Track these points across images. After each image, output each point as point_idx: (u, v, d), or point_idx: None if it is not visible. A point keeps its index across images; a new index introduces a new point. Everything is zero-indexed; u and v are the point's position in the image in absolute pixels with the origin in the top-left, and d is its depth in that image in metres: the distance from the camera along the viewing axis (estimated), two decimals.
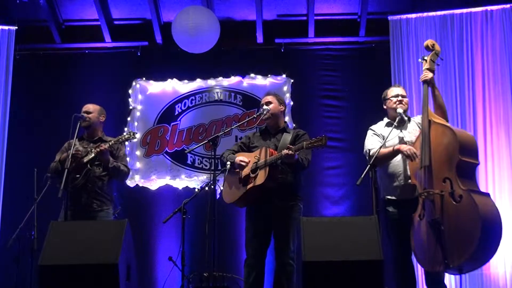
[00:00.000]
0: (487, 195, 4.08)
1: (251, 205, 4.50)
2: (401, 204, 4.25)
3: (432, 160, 4.00)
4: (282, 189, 4.38)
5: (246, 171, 4.44)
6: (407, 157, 4.12)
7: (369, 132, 4.51)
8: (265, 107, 4.59)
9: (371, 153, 4.23)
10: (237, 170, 4.49)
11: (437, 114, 4.23)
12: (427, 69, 4.36)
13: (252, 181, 4.36)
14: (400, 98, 4.43)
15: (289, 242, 4.34)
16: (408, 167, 4.24)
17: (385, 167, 4.34)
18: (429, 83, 4.32)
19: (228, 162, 4.52)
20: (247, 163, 4.45)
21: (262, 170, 4.33)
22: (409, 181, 4.22)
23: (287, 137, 4.50)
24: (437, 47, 4.44)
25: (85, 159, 4.73)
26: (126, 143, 5.67)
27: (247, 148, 4.67)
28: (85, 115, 4.93)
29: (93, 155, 4.72)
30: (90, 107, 5.01)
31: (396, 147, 4.23)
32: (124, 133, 4.96)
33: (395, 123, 4.32)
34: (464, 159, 3.93)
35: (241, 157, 4.50)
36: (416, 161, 4.08)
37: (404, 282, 4.25)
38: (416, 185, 4.10)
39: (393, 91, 4.50)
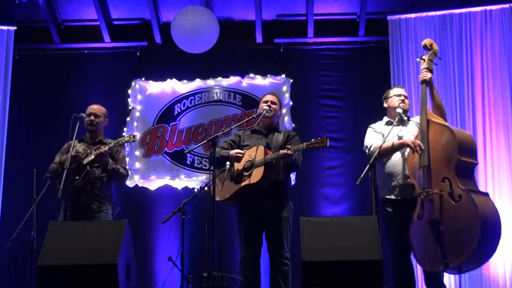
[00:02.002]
0: (486, 195, 4.08)
1: (242, 204, 4.50)
2: (400, 204, 4.25)
3: (431, 160, 4.00)
4: (274, 189, 4.39)
5: (239, 169, 4.44)
6: (412, 148, 4.12)
7: (369, 130, 4.52)
8: (267, 106, 4.58)
9: (371, 149, 4.23)
10: (233, 163, 4.48)
11: (435, 114, 4.23)
12: (426, 68, 4.36)
13: (245, 179, 4.36)
14: (402, 98, 4.44)
15: (283, 242, 4.35)
16: (406, 167, 4.25)
17: (384, 166, 4.34)
18: (427, 82, 4.33)
19: (228, 162, 4.51)
20: (243, 154, 4.45)
21: (257, 168, 4.32)
22: (408, 180, 4.22)
23: (278, 137, 4.51)
24: (435, 46, 4.44)
25: (85, 161, 4.73)
26: (125, 144, 5.66)
27: (237, 146, 4.66)
28: (92, 118, 4.90)
29: (92, 157, 4.71)
30: (96, 109, 4.96)
31: (400, 140, 4.23)
32: (124, 136, 4.96)
33: (394, 122, 4.32)
34: (463, 158, 3.93)
35: (236, 150, 4.50)
36: (417, 156, 4.08)
37: (403, 282, 4.25)
38: (415, 185, 4.10)
39: (396, 90, 4.52)
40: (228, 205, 4.71)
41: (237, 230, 4.56)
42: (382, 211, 4.26)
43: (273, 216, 4.38)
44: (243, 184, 4.37)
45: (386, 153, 4.26)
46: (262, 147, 4.41)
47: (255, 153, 4.41)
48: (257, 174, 4.31)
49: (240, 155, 4.45)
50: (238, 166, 4.46)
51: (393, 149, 4.27)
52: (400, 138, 4.33)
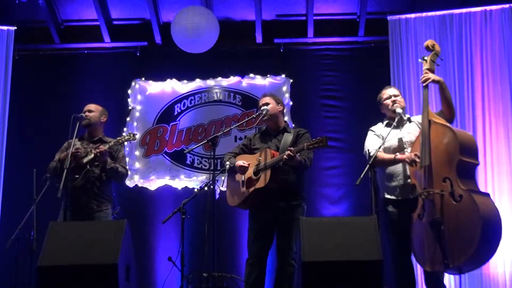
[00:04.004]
0: (487, 195, 4.08)
1: (255, 206, 4.51)
2: (401, 204, 4.25)
3: (432, 160, 3.99)
4: (285, 190, 4.39)
5: (249, 173, 4.45)
6: (409, 164, 4.14)
7: (369, 133, 4.51)
8: (263, 107, 4.60)
9: (371, 154, 4.24)
10: (238, 174, 4.50)
11: (445, 112, 4.23)
12: (427, 69, 4.36)
13: (254, 183, 4.38)
14: (393, 98, 4.43)
15: (291, 243, 4.35)
16: (407, 167, 4.25)
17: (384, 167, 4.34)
18: (439, 82, 4.30)
19: (228, 163, 4.53)
20: (248, 166, 4.46)
21: (263, 172, 4.34)
22: (409, 180, 4.23)
23: (288, 137, 4.50)
24: (437, 47, 4.43)
25: (85, 160, 4.72)
26: (126, 143, 5.65)
27: (248, 150, 4.68)
28: (86, 113, 4.90)
29: (92, 155, 4.71)
30: (92, 106, 4.98)
31: (397, 157, 4.23)
32: (124, 134, 4.95)
33: (394, 123, 4.32)
34: (464, 159, 3.93)
35: (241, 161, 4.51)
36: (417, 165, 4.08)
37: (404, 282, 4.26)
38: (416, 185, 4.10)
39: (385, 93, 4.50)
40: (242, 209, 4.73)
41: (248, 228, 4.55)
42: (382, 211, 4.26)
43: (284, 217, 4.38)
44: (251, 189, 4.39)
45: (382, 164, 4.27)
46: (269, 150, 4.43)
47: (262, 156, 4.42)
48: (263, 178, 4.33)
49: (244, 167, 4.46)
50: (247, 173, 4.47)
51: (389, 162, 4.28)
52: (400, 139, 4.33)
